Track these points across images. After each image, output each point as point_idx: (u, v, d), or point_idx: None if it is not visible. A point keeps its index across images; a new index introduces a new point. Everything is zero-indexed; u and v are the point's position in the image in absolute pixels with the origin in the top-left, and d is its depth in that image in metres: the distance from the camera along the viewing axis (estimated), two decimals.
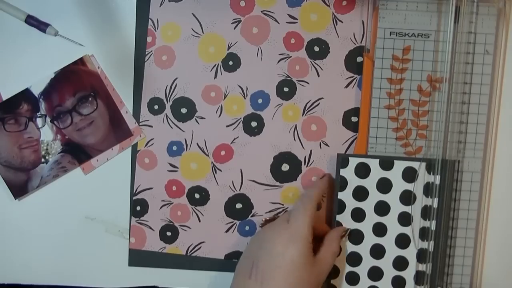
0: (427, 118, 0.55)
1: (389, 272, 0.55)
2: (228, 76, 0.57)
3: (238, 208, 0.58)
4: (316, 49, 0.56)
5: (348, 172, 0.55)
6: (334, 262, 0.53)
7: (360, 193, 0.55)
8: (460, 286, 0.56)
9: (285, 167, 0.57)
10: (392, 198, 0.55)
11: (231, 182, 0.58)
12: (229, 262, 0.58)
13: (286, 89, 0.57)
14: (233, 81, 0.57)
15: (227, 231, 0.58)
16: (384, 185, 0.55)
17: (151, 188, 0.58)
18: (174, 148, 0.57)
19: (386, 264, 0.55)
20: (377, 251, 0.55)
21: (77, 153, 0.57)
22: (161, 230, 0.58)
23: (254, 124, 0.57)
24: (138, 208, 0.58)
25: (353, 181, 0.55)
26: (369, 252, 0.55)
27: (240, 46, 0.56)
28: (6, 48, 0.57)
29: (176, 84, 0.57)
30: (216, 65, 0.57)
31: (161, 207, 0.58)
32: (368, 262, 0.55)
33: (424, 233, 0.55)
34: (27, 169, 0.57)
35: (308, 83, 0.57)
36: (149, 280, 0.59)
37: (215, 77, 0.57)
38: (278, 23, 0.56)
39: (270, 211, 0.58)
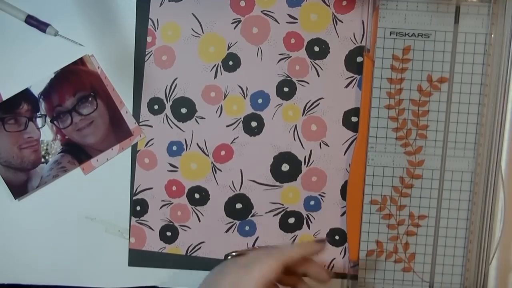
0: (427, 118, 0.55)
1: None
2: (228, 76, 0.57)
3: (238, 208, 0.58)
4: (316, 49, 0.56)
5: None
6: None
7: None
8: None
9: (285, 167, 0.57)
10: None
11: (231, 182, 0.58)
12: None
13: (286, 89, 0.57)
14: (233, 81, 0.57)
15: (227, 231, 0.58)
16: None
17: (151, 188, 0.58)
18: (174, 148, 0.57)
19: None
20: None
21: (77, 153, 0.57)
22: (161, 230, 0.58)
23: (254, 124, 0.57)
24: (138, 208, 0.58)
25: None
26: None
27: (240, 46, 0.56)
28: (6, 48, 0.57)
29: (176, 84, 0.57)
30: (216, 65, 0.57)
31: (161, 207, 0.58)
32: None
33: None
34: (27, 169, 0.57)
35: (308, 83, 0.57)
36: (149, 280, 0.59)
37: (215, 77, 0.57)
38: (278, 23, 0.56)
39: (270, 211, 0.58)
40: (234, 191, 0.58)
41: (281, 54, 0.56)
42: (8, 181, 0.57)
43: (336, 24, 0.56)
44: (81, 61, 0.56)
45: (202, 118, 0.57)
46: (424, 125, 0.55)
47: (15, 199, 0.58)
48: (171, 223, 0.58)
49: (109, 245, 0.57)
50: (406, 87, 0.55)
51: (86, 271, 0.59)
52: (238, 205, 0.58)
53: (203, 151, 0.57)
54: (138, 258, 0.58)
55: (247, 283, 0.44)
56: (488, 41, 0.54)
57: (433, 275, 0.56)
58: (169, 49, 0.57)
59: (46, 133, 0.57)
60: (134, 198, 0.58)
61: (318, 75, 0.56)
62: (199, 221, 0.58)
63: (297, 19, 0.56)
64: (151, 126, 0.57)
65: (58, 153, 0.57)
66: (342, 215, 0.58)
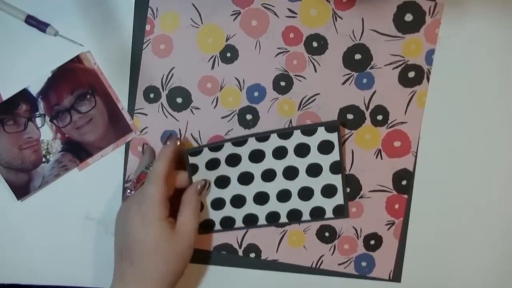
0: None
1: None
2: (225, 68, 0.57)
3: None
4: (315, 44, 0.56)
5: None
6: (197, 221, 0.53)
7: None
8: None
9: None
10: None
11: None
12: (218, 255, 0.58)
13: (282, 83, 0.57)
14: (230, 73, 0.57)
15: None
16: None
17: None
18: None
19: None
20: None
21: (78, 151, 0.57)
22: None
23: (249, 117, 0.57)
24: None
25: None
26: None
27: (238, 38, 0.56)
28: (6, 48, 0.56)
29: (172, 74, 0.57)
30: (214, 56, 0.56)
31: None
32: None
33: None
34: (28, 169, 0.57)
35: (305, 78, 0.56)
36: None
37: (212, 68, 0.57)
38: (278, 16, 0.56)
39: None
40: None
41: (279, 48, 0.56)
42: (10, 182, 0.57)
43: (336, 21, 0.56)
44: (77, 59, 0.56)
45: (197, 108, 0.57)
46: None
47: (18, 200, 0.57)
48: None
49: (109, 245, 0.57)
50: None
51: (86, 271, 0.59)
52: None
53: (197, 141, 0.57)
54: None
55: (148, 211, 0.50)
56: None
57: None
58: (167, 38, 0.57)
59: (46, 132, 0.57)
60: (126, 186, 0.58)
61: (316, 71, 0.56)
62: None
63: (296, 13, 0.56)
64: (146, 115, 0.57)
65: (59, 152, 0.57)
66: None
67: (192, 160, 0.54)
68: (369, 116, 0.57)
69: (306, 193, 0.56)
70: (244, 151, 0.55)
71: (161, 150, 0.54)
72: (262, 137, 0.54)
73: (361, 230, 0.58)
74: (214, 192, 0.56)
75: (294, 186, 0.56)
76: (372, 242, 0.58)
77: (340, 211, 0.56)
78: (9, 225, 0.58)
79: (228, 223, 0.57)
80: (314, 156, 0.55)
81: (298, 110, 0.57)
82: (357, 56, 0.56)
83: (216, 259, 0.58)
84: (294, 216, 0.57)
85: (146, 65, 0.57)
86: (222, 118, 0.57)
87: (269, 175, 0.56)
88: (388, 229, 0.58)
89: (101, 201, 0.58)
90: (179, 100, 0.57)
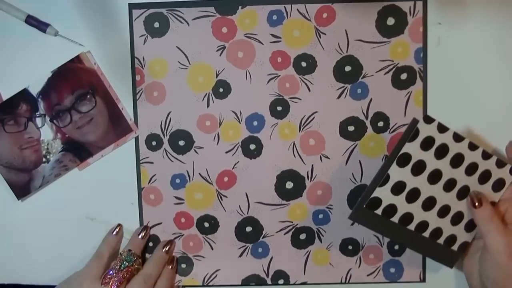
0: None
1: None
2: (221, 103, 0.57)
3: (249, 231, 0.58)
4: (304, 64, 0.56)
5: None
6: None
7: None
8: None
9: (289, 184, 0.58)
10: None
11: (238, 206, 0.58)
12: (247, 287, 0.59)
13: (279, 108, 0.57)
14: (226, 107, 0.57)
15: (240, 255, 0.58)
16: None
17: (160, 223, 0.58)
18: (177, 181, 0.58)
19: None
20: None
21: (78, 151, 0.57)
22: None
23: (252, 146, 0.57)
24: (151, 244, 0.58)
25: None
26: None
27: (228, 72, 0.57)
28: (7, 48, 0.57)
29: (170, 118, 0.57)
30: (207, 94, 0.57)
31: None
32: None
33: None
34: (28, 169, 0.57)
35: (300, 99, 0.57)
36: None
37: (208, 105, 0.57)
38: (262, 44, 0.56)
39: (280, 230, 0.58)
40: (242, 215, 0.58)
41: (269, 74, 0.57)
42: (11, 182, 0.57)
43: (320, 37, 0.56)
44: (78, 59, 0.56)
45: (200, 147, 0.57)
46: None
47: (18, 199, 0.58)
48: (185, 255, 0.59)
49: None
50: None
51: None
52: (248, 228, 0.58)
53: (206, 180, 0.58)
54: None
55: None
56: None
57: None
58: (158, 84, 0.57)
59: (46, 132, 0.57)
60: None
61: (309, 90, 0.57)
62: (212, 249, 0.58)
63: (280, 37, 0.56)
64: (152, 163, 0.58)
65: (59, 152, 0.57)
66: (352, 224, 0.58)
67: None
68: (370, 125, 0.57)
69: (458, 217, 0.53)
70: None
71: (107, 236, 0.57)
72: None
73: (383, 237, 0.58)
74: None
75: (459, 206, 0.53)
76: (396, 247, 0.58)
77: (462, 248, 0.54)
78: (10, 225, 0.58)
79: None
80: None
81: (299, 131, 0.57)
82: (347, 68, 0.56)
83: None
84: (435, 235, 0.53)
85: (143, 115, 0.57)
86: (226, 152, 0.57)
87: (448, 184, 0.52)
88: None
89: (101, 201, 0.58)
90: (181, 143, 0.58)
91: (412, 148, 0.50)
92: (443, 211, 0.52)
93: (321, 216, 0.58)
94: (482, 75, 0.56)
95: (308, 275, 0.58)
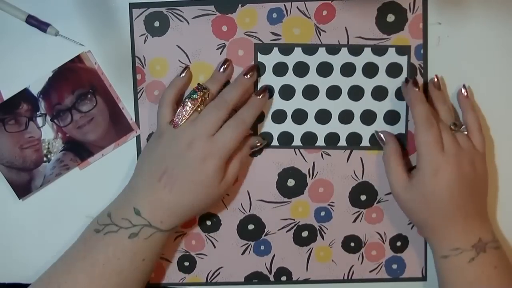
0: None
1: None
2: None
3: (251, 229, 0.58)
4: None
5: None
6: (238, 172, 0.54)
7: None
8: None
9: (290, 182, 0.58)
10: None
11: (240, 204, 0.58)
12: (250, 284, 0.59)
13: None
14: None
15: (243, 253, 0.58)
16: None
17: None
18: None
19: None
20: None
21: (79, 151, 0.57)
22: (178, 261, 0.59)
23: None
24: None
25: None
26: None
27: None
28: (7, 48, 0.57)
29: None
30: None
31: (175, 239, 0.59)
32: None
33: None
34: (29, 168, 0.57)
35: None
36: None
37: None
38: (262, 41, 0.56)
39: (282, 228, 0.58)
40: (244, 213, 0.58)
41: None
42: (12, 182, 0.57)
43: (320, 35, 0.56)
44: (78, 59, 0.57)
45: None
46: None
47: (19, 199, 0.58)
48: (188, 253, 0.59)
49: None
50: None
51: None
52: (250, 226, 0.58)
53: None
54: None
55: (223, 145, 0.50)
56: None
57: None
58: (159, 83, 0.57)
59: (47, 132, 0.57)
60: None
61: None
62: (214, 247, 0.59)
63: (280, 35, 0.56)
64: None
65: (60, 151, 0.57)
66: (354, 221, 0.58)
67: (261, 58, 0.55)
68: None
69: (368, 117, 0.56)
70: (312, 62, 0.55)
71: (252, 100, 0.54)
72: (332, 49, 0.55)
73: (385, 234, 0.58)
74: (277, 103, 0.56)
75: (357, 108, 0.56)
76: (399, 243, 0.58)
77: (401, 140, 0.56)
78: (10, 224, 0.58)
79: (286, 140, 0.57)
80: (382, 78, 0.55)
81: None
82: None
83: None
84: (354, 140, 0.56)
85: (144, 114, 0.58)
86: None
87: (334, 93, 0.55)
88: (411, 228, 0.58)
89: (102, 201, 0.57)
90: None
91: None
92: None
93: (323, 213, 0.58)
94: (482, 75, 0.56)
95: (311, 272, 0.59)
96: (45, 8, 0.56)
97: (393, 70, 0.55)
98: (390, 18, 0.56)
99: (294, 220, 0.58)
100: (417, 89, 0.53)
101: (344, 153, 0.57)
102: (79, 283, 0.49)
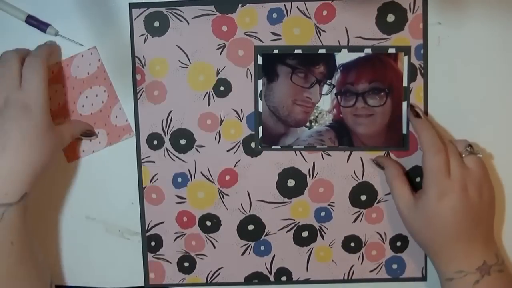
0: None
1: None
2: (221, 102, 0.57)
3: (251, 229, 0.58)
4: None
5: None
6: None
7: None
8: None
9: (290, 182, 0.58)
10: None
11: (240, 205, 0.58)
12: (250, 284, 0.59)
13: None
14: (227, 106, 0.57)
15: (243, 253, 0.58)
16: None
17: (163, 222, 0.58)
18: (179, 180, 0.58)
19: None
20: None
21: (342, 135, 0.56)
22: (178, 261, 0.59)
23: (253, 145, 0.57)
24: (153, 243, 0.58)
25: None
26: None
27: (228, 70, 0.57)
28: (7, 48, 0.56)
29: (171, 117, 0.57)
30: (208, 93, 0.57)
31: (175, 239, 0.58)
32: None
33: None
34: (289, 124, 0.56)
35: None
36: None
37: (209, 104, 0.57)
38: (263, 42, 0.56)
39: (282, 228, 0.58)
40: (244, 214, 0.58)
41: None
42: (265, 127, 0.56)
43: (320, 35, 0.56)
44: (394, 57, 0.56)
45: (202, 146, 0.58)
46: None
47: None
48: (188, 254, 0.59)
49: (109, 245, 0.57)
50: None
51: (86, 271, 0.59)
52: (251, 227, 0.58)
53: (208, 179, 0.58)
54: None
55: (30, 96, 0.49)
56: None
57: None
58: (159, 83, 0.57)
59: (325, 101, 0.56)
60: (148, 234, 0.58)
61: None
62: (214, 247, 0.58)
63: (280, 35, 0.56)
64: (154, 162, 0.58)
65: (325, 126, 0.57)
66: (354, 221, 0.58)
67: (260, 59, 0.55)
68: None
69: None
70: None
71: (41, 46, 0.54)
72: (332, 49, 0.55)
73: (385, 234, 0.58)
74: None
75: None
76: (399, 243, 0.58)
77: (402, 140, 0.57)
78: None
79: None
80: None
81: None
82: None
83: None
84: None
85: (144, 114, 0.57)
86: (228, 151, 0.57)
87: None
88: None
89: (101, 201, 0.58)
90: (182, 141, 0.58)
91: None
92: None
93: (323, 213, 0.58)
94: (482, 75, 0.56)
95: (311, 272, 0.59)
96: (44, 8, 0.56)
97: None
98: (390, 18, 0.56)
99: (294, 220, 0.58)
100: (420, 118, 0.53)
101: (344, 153, 0.57)
102: None
